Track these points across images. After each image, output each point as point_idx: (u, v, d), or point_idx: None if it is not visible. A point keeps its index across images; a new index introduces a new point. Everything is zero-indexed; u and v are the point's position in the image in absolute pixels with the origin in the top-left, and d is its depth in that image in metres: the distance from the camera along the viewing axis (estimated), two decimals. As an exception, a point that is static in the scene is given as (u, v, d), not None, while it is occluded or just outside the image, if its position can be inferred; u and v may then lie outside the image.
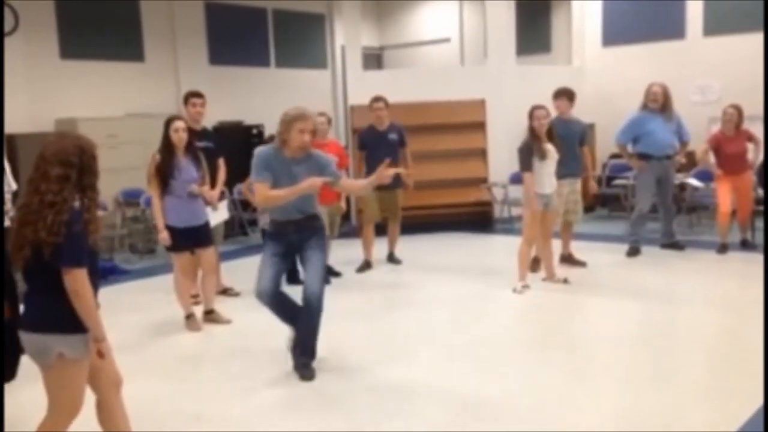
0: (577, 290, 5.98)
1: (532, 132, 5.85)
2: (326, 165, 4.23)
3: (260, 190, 4.14)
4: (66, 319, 2.60)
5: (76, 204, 2.61)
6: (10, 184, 4.68)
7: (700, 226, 8.38)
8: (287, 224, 4.24)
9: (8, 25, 7.99)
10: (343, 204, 6.82)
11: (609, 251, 7.40)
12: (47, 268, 2.55)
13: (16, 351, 2.84)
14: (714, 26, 9.24)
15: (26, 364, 2.82)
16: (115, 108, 8.74)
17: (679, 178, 7.85)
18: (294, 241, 4.26)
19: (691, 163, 8.81)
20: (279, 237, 4.28)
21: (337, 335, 5.07)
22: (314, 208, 4.34)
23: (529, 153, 5.84)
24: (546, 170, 5.86)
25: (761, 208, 7.64)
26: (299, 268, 6.51)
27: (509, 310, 5.68)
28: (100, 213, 2.77)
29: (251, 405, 3.89)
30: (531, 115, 5.84)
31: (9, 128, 7.34)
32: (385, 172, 4.16)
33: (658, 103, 7.04)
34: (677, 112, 7.23)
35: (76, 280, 2.55)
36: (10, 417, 2.98)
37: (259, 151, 4.23)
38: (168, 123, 5.26)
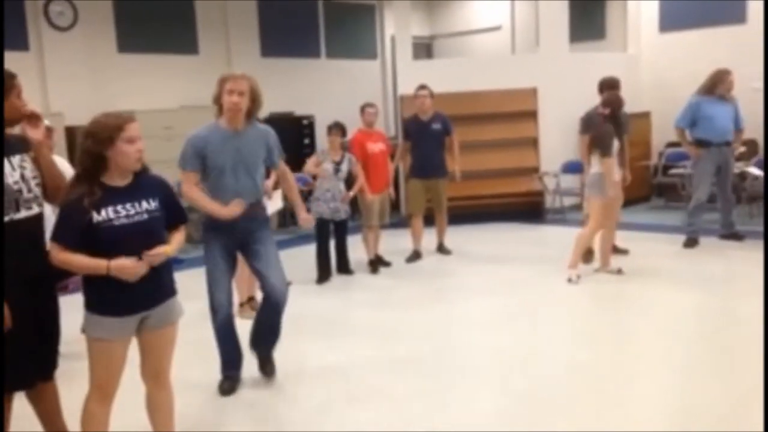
0: (632, 281, 5.87)
1: (614, 119, 5.75)
2: (275, 144, 3.90)
3: (187, 185, 3.74)
4: (84, 294, 2.71)
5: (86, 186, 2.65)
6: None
7: (760, 217, 8.09)
8: None
9: (67, 20, 8.23)
10: (392, 190, 6.86)
11: (666, 242, 7.23)
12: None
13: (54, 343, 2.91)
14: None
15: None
16: (171, 100, 8.92)
17: (739, 167, 7.62)
18: (239, 231, 3.79)
19: (751, 151, 8.54)
20: (222, 228, 3.76)
21: (388, 324, 5.10)
22: (261, 192, 3.98)
23: (609, 139, 5.74)
24: (615, 159, 5.81)
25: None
26: (348, 257, 6.74)
27: (562, 300, 5.60)
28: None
29: (304, 392, 3.94)
30: (616, 103, 5.78)
31: (70, 120, 7.59)
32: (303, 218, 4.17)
33: (730, 91, 6.87)
34: (736, 98, 7.01)
35: (50, 254, 2.66)
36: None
37: (191, 134, 3.79)
38: None
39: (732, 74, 6.90)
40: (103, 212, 2.63)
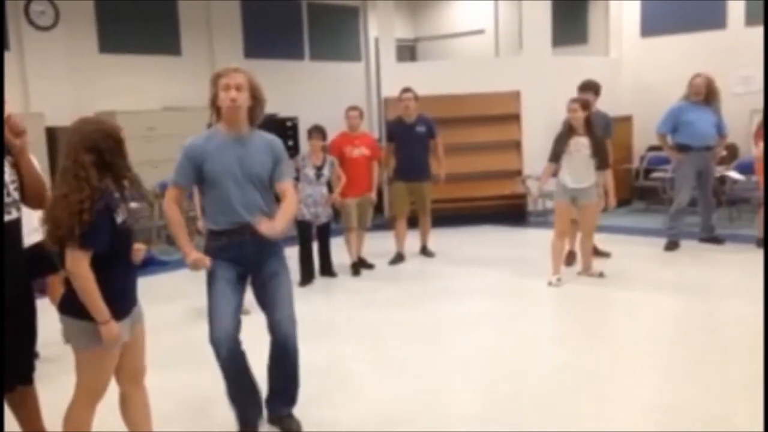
0: (613, 284, 5.91)
1: (568, 124, 5.81)
2: (284, 156, 3.29)
3: (168, 203, 3.19)
4: (70, 302, 2.61)
5: (109, 187, 2.61)
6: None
7: (740, 220, 8.21)
8: (241, 231, 3.15)
9: (48, 20, 8.15)
10: (373, 195, 6.84)
11: (647, 245, 7.29)
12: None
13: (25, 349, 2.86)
14: (757, 15, 9.01)
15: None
16: (153, 101, 8.86)
17: (719, 170, 7.69)
18: (251, 255, 3.20)
19: (731, 155, 8.64)
20: (229, 251, 3.17)
21: (371, 326, 5.10)
22: (273, 206, 3.27)
23: (557, 143, 5.86)
24: (570, 164, 5.80)
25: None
26: (329, 266, 6.72)
27: (544, 302, 5.63)
28: (136, 204, 2.79)
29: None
30: (567, 108, 5.82)
31: (50, 121, 7.52)
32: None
33: (701, 96, 6.90)
34: (720, 104, 7.06)
35: (72, 259, 2.53)
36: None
37: (188, 142, 3.24)
38: None
39: (700, 77, 6.93)
40: (120, 214, 2.65)
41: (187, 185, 3.21)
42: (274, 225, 3.07)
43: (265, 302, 3.29)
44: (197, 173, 3.16)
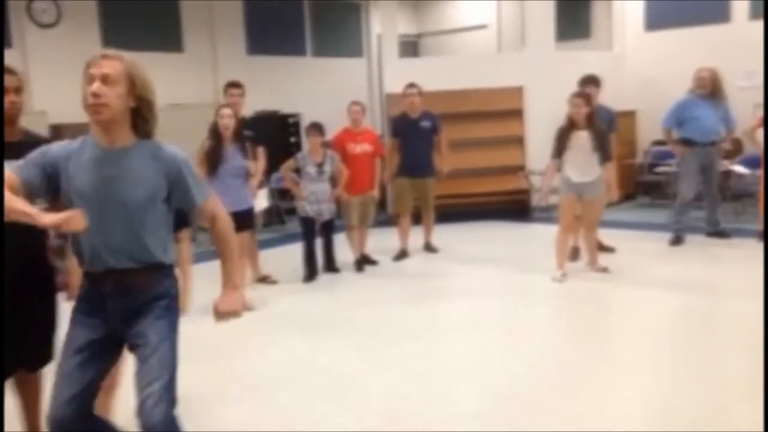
0: (617, 280, 5.89)
1: (569, 119, 5.78)
2: (187, 180, 2.38)
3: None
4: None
5: None
6: None
7: (745, 214, 8.17)
8: (102, 278, 2.30)
9: (50, 17, 8.15)
10: (376, 192, 6.82)
11: (651, 240, 7.26)
12: None
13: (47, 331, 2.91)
14: (761, 9, 8.96)
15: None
16: (156, 98, 8.85)
17: (724, 165, 7.66)
18: (116, 311, 2.32)
19: (736, 149, 8.60)
20: (90, 302, 2.34)
21: (373, 323, 5.10)
22: (162, 250, 2.37)
23: (558, 139, 5.84)
24: (573, 158, 5.78)
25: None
26: (336, 255, 6.72)
27: (547, 299, 5.62)
28: None
29: (287, 390, 3.92)
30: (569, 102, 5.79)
31: (55, 119, 7.52)
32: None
33: (706, 90, 6.87)
34: (726, 98, 7.02)
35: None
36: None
37: (60, 143, 2.42)
38: (217, 111, 5.47)
39: (705, 70, 6.90)
40: None
41: (22, 179, 2.22)
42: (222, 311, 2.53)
43: (135, 377, 2.31)
44: (46, 177, 2.26)
